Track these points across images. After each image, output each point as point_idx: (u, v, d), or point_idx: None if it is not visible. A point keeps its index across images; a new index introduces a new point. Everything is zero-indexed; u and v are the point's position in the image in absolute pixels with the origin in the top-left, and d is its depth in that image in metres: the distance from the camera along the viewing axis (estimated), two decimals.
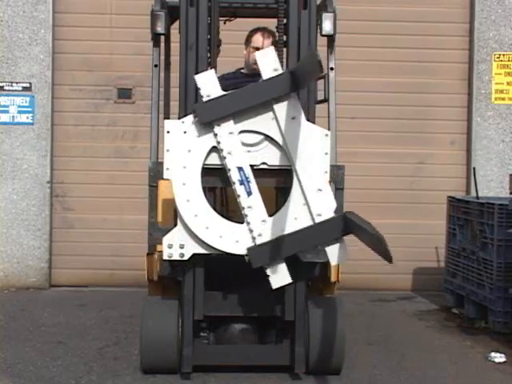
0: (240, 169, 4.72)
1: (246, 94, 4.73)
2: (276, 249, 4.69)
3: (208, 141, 4.74)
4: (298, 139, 4.73)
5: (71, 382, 4.97)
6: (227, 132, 4.72)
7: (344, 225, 4.70)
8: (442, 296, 7.61)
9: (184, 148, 4.72)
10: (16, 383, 4.94)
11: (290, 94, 4.71)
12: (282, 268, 4.74)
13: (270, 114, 4.75)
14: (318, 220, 4.72)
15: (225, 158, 4.72)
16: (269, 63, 4.69)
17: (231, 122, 4.72)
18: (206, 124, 4.70)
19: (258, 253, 4.70)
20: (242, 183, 4.72)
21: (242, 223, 4.79)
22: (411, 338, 6.30)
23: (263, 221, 4.73)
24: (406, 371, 5.30)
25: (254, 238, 4.72)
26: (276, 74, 4.68)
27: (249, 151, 4.79)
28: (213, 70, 4.79)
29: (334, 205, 4.76)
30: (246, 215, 4.72)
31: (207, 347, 5.07)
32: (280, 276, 4.74)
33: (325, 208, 4.73)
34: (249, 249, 4.72)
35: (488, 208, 6.63)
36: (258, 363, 5.05)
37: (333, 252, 4.75)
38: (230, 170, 4.72)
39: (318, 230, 4.71)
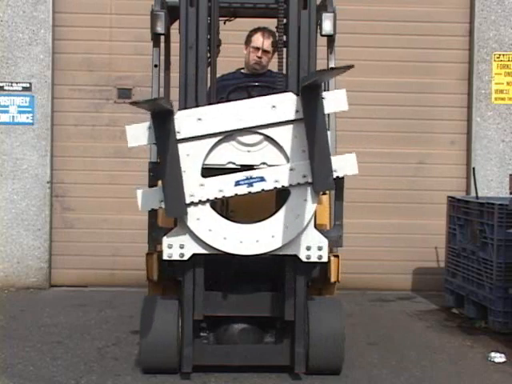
0: (237, 183, 4.75)
1: (159, 165, 4.74)
2: (322, 161, 4.71)
3: (204, 210, 4.76)
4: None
5: (71, 382, 4.97)
6: (198, 187, 4.73)
7: (310, 94, 4.69)
8: (442, 296, 7.60)
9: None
10: (16, 383, 4.94)
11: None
12: (348, 157, 4.81)
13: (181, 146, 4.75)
14: (300, 116, 4.74)
15: (223, 196, 4.76)
16: (138, 133, 4.71)
17: (191, 182, 4.71)
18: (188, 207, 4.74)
19: (325, 181, 4.73)
20: (250, 185, 4.75)
21: (242, 223, 4.81)
22: (411, 337, 6.30)
23: (291, 169, 4.75)
24: (406, 371, 5.30)
25: (304, 177, 4.73)
26: (147, 124, 4.69)
27: (249, 151, 4.81)
28: (138, 191, 4.78)
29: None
30: (276, 181, 4.75)
31: (207, 347, 5.07)
32: (349, 164, 4.80)
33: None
34: (317, 187, 4.74)
35: (488, 208, 6.63)
36: (258, 363, 5.04)
37: (331, 101, 4.76)
38: (236, 194, 4.76)
39: (309, 122, 4.71)
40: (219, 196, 4.77)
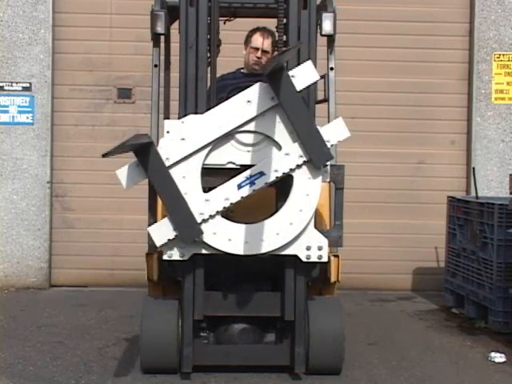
0: (239, 186, 4.75)
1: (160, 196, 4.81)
2: (312, 136, 4.75)
3: (217, 223, 4.77)
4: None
5: (71, 381, 4.97)
6: (204, 203, 4.73)
7: (276, 77, 4.69)
8: (442, 296, 7.60)
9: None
10: (16, 383, 4.94)
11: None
12: (336, 123, 4.84)
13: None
14: (276, 102, 4.75)
15: (230, 203, 4.75)
16: (129, 173, 4.76)
17: (195, 201, 4.71)
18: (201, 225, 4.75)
19: (322, 153, 4.77)
20: (252, 183, 4.75)
21: (242, 223, 4.81)
22: (411, 337, 6.30)
23: (286, 154, 4.75)
24: (406, 371, 5.30)
25: (301, 157, 4.74)
26: (135, 162, 4.75)
27: (248, 151, 4.81)
28: (149, 228, 4.79)
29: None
30: (276, 170, 4.75)
31: (207, 347, 5.07)
32: (339, 130, 4.81)
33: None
34: (316, 161, 4.75)
35: (488, 208, 6.63)
36: (258, 363, 5.04)
37: (299, 77, 4.74)
38: (242, 197, 4.75)
39: (286, 103, 4.72)
40: (227, 205, 4.76)
